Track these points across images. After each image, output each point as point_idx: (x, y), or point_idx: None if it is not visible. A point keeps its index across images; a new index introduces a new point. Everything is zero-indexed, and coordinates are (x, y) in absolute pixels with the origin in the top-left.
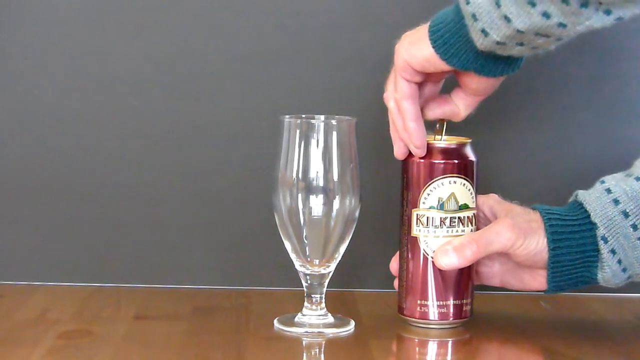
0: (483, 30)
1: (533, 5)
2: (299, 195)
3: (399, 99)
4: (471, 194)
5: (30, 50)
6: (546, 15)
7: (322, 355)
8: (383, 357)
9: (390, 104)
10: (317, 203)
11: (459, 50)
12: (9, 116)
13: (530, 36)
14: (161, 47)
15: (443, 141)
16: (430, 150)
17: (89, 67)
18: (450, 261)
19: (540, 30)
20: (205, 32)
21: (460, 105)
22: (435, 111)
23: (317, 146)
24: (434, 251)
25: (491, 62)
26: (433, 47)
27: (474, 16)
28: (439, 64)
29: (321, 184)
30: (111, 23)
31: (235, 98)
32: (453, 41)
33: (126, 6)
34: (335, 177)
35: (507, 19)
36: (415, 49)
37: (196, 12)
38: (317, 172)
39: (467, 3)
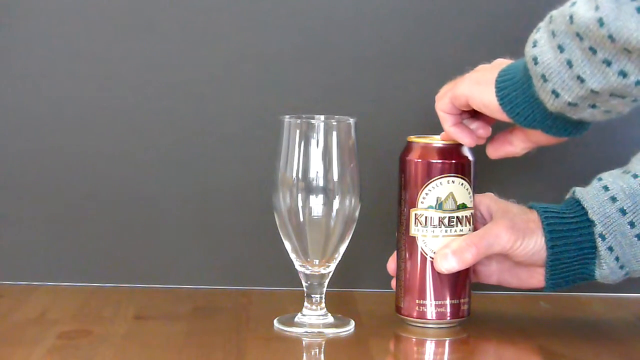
0: (554, 92)
1: (608, 64)
2: (299, 195)
3: (441, 113)
4: (469, 193)
5: (31, 50)
6: (623, 73)
7: (322, 355)
8: (383, 357)
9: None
10: (317, 203)
11: (526, 109)
12: (9, 116)
13: (604, 97)
14: (161, 47)
15: (441, 141)
16: (428, 150)
17: (89, 67)
18: (450, 265)
19: (615, 90)
20: (205, 32)
21: (518, 147)
22: (498, 153)
23: (317, 146)
24: (433, 254)
25: (560, 122)
26: (500, 103)
27: (543, 77)
28: (499, 115)
29: (321, 184)
30: (111, 23)
31: (235, 98)
32: (520, 100)
33: (126, 6)
34: (335, 177)
35: (580, 79)
36: (480, 90)
37: (196, 12)
38: (317, 172)
39: (536, 63)
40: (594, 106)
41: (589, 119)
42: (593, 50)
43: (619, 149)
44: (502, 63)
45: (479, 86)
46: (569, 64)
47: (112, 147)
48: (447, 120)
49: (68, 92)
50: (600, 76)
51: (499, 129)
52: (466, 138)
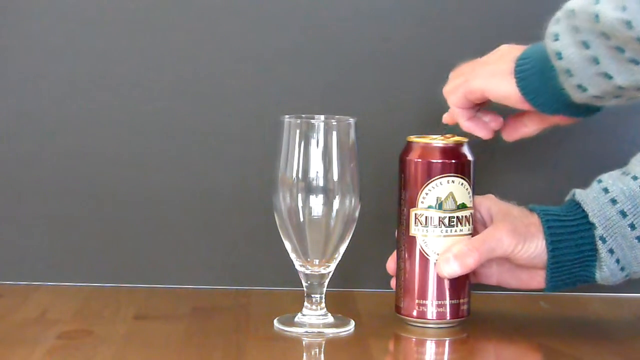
0: (580, 86)
1: (636, 63)
2: (299, 195)
3: (456, 109)
4: (469, 193)
5: (31, 50)
6: None
7: (322, 355)
8: (383, 357)
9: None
10: (317, 203)
11: (550, 99)
12: (9, 116)
13: (631, 91)
14: (161, 47)
15: (441, 141)
16: (428, 149)
17: (89, 67)
18: (452, 269)
19: None
20: (205, 32)
21: (532, 128)
22: (514, 136)
23: (317, 146)
24: (433, 254)
25: (582, 107)
26: (523, 93)
27: (568, 71)
28: (521, 105)
29: (321, 184)
30: (111, 23)
31: (235, 98)
32: (544, 90)
33: (126, 6)
34: (335, 177)
35: (607, 76)
36: (497, 82)
37: (196, 12)
38: (317, 172)
39: (560, 58)
40: (618, 97)
41: (613, 105)
42: (620, 50)
43: (618, 149)
44: (509, 51)
45: (495, 78)
46: (595, 60)
47: (112, 147)
48: (462, 115)
49: (68, 92)
50: (627, 74)
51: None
52: (482, 131)
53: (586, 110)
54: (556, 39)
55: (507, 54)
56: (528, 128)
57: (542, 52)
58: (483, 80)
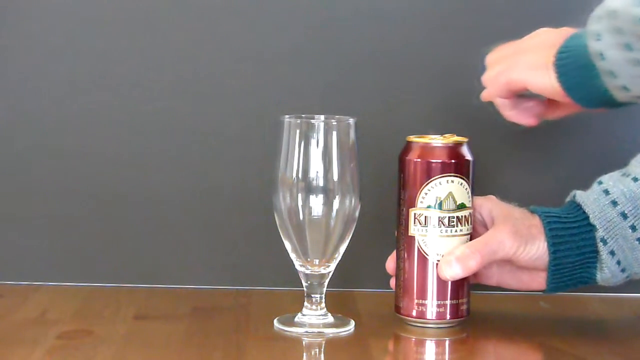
0: (624, 87)
1: None
2: (299, 195)
3: (499, 100)
4: (468, 193)
5: (31, 50)
6: None
7: (322, 355)
8: (383, 357)
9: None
10: (317, 203)
11: (591, 95)
12: (9, 116)
13: None
14: (161, 47)
15: (440, 141)
16: (427, 149)
17: (89, 67)
18: (455, 272)
19: None
20: (205, 32)
21: (559, 114)
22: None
23: (317, 146)
24: (433, 254)
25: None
26: (564, 88)
27: (611, 73)
28: (560, 98)
29: (321, 184)
30: (111, 23)
31: (235, 98)
32: (585, 87)
33: (126, 6)
34: (335, 177)
35: None
36: (537, 75)
37: (196, 12)
38: (317, 172)
39: (602, 59)
40: None
41: None
42: None
43: (618, 149)
44: (548, 37)
45: (535, 71)
46: (639, 63)
47: (112, 147)
48: (506, 106)
49: (68, 92)
50: None
51: None
52: (529, 119)
53: (627, 103)
54: (598, 39)
55: (546, 42)
56: (556, 113)
57: (582, 48)
58: (524, 72)
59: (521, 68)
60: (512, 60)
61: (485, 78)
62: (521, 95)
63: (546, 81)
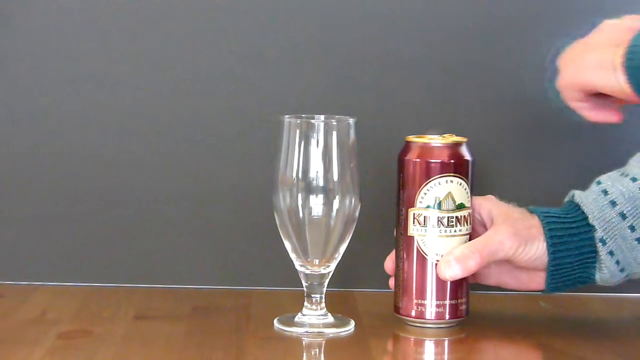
0: None
1: None
2: (299, 195)
3: (575, 104)
4: (467, 193)
5: (30, 50)
6: None
7: (322, 355)
8: (382, 357)
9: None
10: (317, 203)
11: None
12: (9, 116)
13: None
14: (161, 47)
15: (439, 141)
16: (426, 149)
17: (88, 67)
18: (454, 272)
19: None
20: (205, 32)
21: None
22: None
23: (317, 146)
24: (432, 254)
25: None
26: (634, 88)
27: None
28: (632, 98)
29: (321, 184)
30: (111, 23)
31: (235, 98)
32: None
33: (126, 6)
34: (335, 177)
35: None
36: (605, 77)
37: (196, 12)
38: (317, 172)
39: None
40: None
41: None
42: None
43: (618, 149)
44: (615, 34)
45: (603, 71)
46: None
47: (111, 147)
48: (585, 108)
49: (67, 93)
50: None
51: None
52: (613, 116)
53: None
54: None
55: (612, 39)
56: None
57: None
58: (592, 73)
59: (589, 69)
60: (579, 61)
61: (559, 84)
62: (597, 94)
63: (614, 82)
